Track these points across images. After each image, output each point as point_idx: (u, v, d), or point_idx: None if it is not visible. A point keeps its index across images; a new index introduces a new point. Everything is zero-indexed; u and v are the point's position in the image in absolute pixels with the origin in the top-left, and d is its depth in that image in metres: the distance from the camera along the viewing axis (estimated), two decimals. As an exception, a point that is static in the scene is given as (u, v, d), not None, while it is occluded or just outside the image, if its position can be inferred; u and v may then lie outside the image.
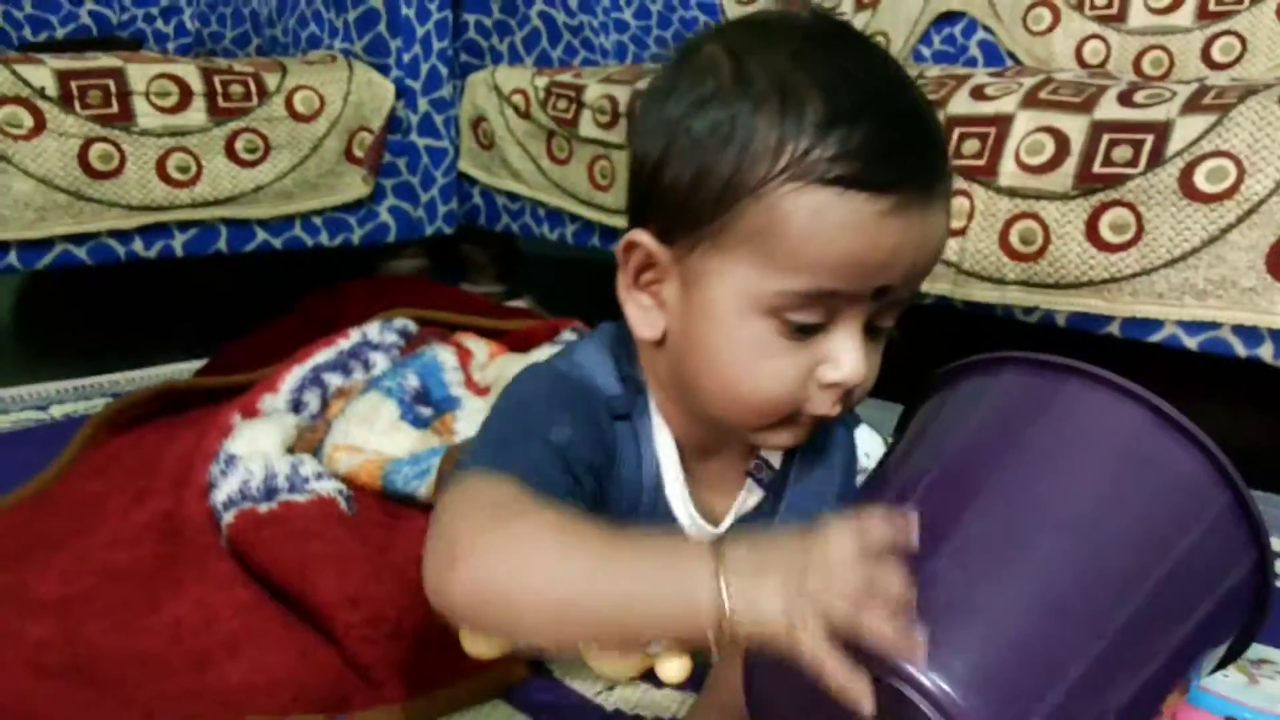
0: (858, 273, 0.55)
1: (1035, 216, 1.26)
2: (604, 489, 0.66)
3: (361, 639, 0.80)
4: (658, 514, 0.68)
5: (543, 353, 1.24)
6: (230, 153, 1.62)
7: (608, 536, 0.51)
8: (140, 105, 1.54)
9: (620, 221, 1.75)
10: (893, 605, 0.45)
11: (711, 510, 0.70)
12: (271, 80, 1.66)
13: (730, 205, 0.56)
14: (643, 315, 0.63)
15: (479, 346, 1.29)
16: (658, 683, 0.79)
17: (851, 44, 0.59)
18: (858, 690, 0.44)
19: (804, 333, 0.57)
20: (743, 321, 0.57)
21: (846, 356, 0.57)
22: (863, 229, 0.54)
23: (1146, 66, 1.74)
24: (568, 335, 1.31)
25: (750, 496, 0.71)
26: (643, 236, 0.60)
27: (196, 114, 1.59)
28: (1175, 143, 1.17)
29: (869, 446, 0.95)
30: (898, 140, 0.54)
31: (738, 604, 0.46)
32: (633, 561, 0.50)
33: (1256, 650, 0.80)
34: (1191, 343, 1.19)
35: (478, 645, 0.80)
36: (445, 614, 0.53)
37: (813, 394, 0.59)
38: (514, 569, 0.50)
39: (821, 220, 0.53)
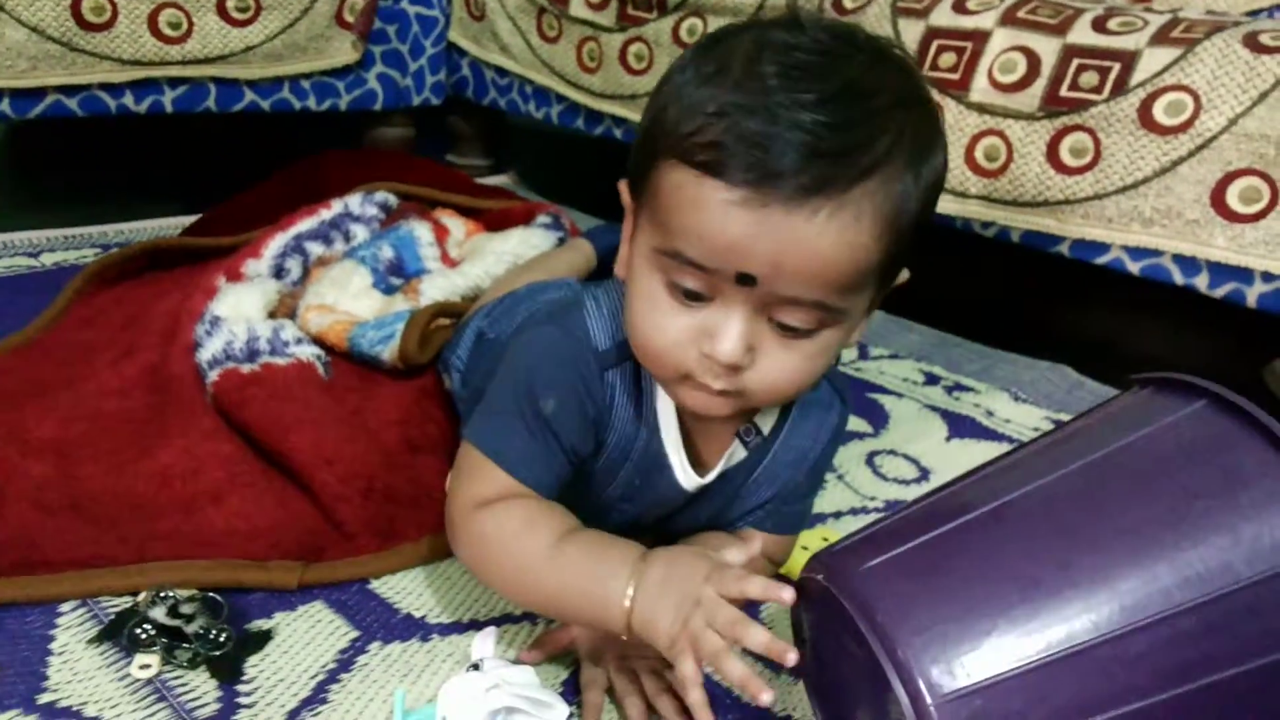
0: (710, 251, 0.60)
1: (1001, 134, 1.31)
2: (601, 435, 0.75)
3: (336, 495, 0.87)
4: (650, 451, 0.76)
5: (518, 235, 1.30)
6: (221, 10, 1.62)
7: (560, 535, 0.69)
8: (132, -43, 1.54)
9: (607, 107, 1.77)
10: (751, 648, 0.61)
11: (703, 457, 0.78)
12: (265, -61, 1.65)
13: (647, 171, 0.64)
14: (621, 262, 0.72)
15: (456, 224, 1.34)
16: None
17: (828, 50, 0.60)
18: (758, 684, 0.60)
19: (690, 299, 0.63)
20: (647, 274, 0.66)
21: (721, 331, 0.63)
22: (709, 210, 0.59)
23: (1135, -15, 1.75)
24: (543, 219, 1.35)
25: (738, 453, 0.79)
26: (622, 186, 0.70)
27: (188, -32, 1.59)
28: (1140, 73, 1.21)
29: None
30: (773, 145, 0.57)
31: (637, 617, 0.64)
32: (571, 564, 0.67)
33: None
34: (1134, 267, 1.26)
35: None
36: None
37: (698, 362, 0.65)
38: (488, 550, 0.71)
39: (679, 194, 0.61)
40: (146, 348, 1.07)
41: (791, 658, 0.58)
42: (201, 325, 1.06)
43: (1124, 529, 0.55)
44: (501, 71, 1.95)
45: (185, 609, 0.74)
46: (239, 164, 1.59)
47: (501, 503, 0.70)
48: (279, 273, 1.21)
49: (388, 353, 1.06)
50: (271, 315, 1.13)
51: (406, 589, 0.82)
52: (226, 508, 0.86)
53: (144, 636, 0.72)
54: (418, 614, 0.79)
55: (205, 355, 1.01)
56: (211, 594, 0.77)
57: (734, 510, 0.82)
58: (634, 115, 1.73)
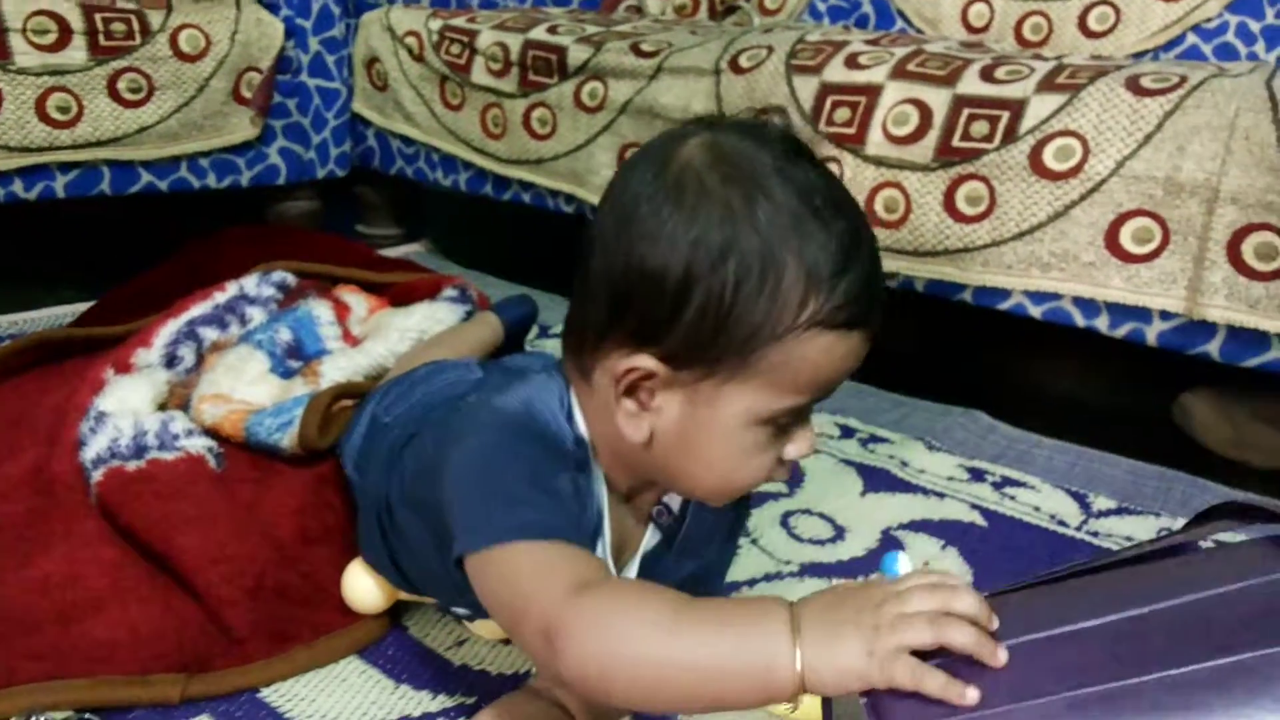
0: (839, 383, 0.66)
1: (899, 186, 1.32)
2: None
3: (222, 598, 0.83)
4: None
5: (422, 310, 1.27)
6: (113, 93, 1.59)
7: (685, 607, 0.55)
8: (17, 43, 1.51)
9: (513, 172, 1.76)
10: (968, 617, 0.50)
11: (621, 552, 0.75)
12: (155, 18, 1.63)
13: (755, 349, 0.62)
14: (631, 421, 0.67)
15: (358, 301, 1.31)
16: (508, 640, 0.85)
17: (820, 170, 0.65)
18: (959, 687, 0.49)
19: (785, 429, 0.66)
20: (744, 432, 0.65)
21: (806, 438, 0.68)
22: (856, 355, 0.65)
23: (1027, 32, 1.80)
24: (449, 292, 1.33)
25: (652, 538, 0.77)
26: (650, 362, 0.63)
27: (77, 52, 1.56)
28: (1028, 120, 1.23)
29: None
30: (875, 279, 0.64)
31: (816, 664, 0.51)
32: (715, 635, 0.53)
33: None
34: (1036, 311, 1.27)
35: (365, 600, 0.85)
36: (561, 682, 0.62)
37: (777, 469, 0.68)
38: (614, 624, 0.55)
39: (829, 355, 0.63)
40: (30, 447, 1.02)
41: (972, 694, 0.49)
42: (86, 422, 1.01)
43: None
44: (407, 141, 1.93)
45: (57, 734, 0.70)
46: (138, 247, 1.55)
47: (598, 583, 0.58)
48: (171, 361, 1.17)
49: (287, 440, 1.02)
50: (162, 407, 1.09)
51: (299, 695, 0.79)
52: (108, 617, 0.82)
53: (10, 768, 0.67)
54: (309, 723, 0.76)
55: (89, 454, 0.97)
56: (88, 715, 0.73)
57: None
58: (540, 179, 1.73)
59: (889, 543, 1.06)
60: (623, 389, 0.65)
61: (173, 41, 1.64)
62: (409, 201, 2.18)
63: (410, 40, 1.86)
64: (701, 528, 0.78)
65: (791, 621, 0.52)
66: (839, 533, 1.08)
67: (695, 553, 0.79)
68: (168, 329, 1.18)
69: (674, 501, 0.77)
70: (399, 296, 1.36)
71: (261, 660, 0.81)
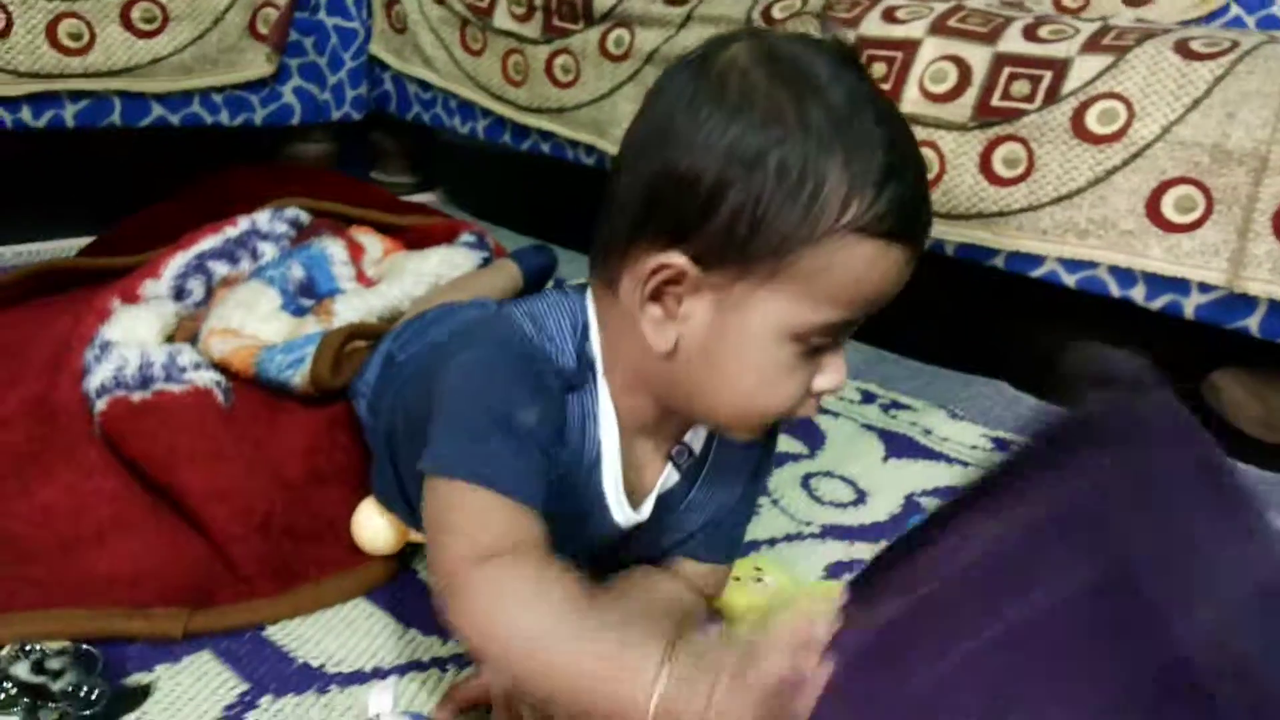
0: (878, 304, 0.62)
1: (933, 145, 1.28)
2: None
3: (229, 534, 0.81)
4: (590, 488, 0.69)
5: (439, 254, 1.24)
6: (126, 21, 1.55)
7: (574, 614, 0.55)
8: (28, -35, 1.47)
9: (533, 121, 1.72)
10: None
11: (635, 488, 0.72)
12: (170, -53, 1.58)
13: (792, 250, 0.58)
14: (656, 328, 0.63)
15: (373, 242, 1.28)
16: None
17: (871, 82, 0.62)
18: None
19: (816, 352, 0.62)
20: (775, 346, 0.61)
21: (837, 369, 0.64)
22: (897, 273, 0.61)
23: (1065, -2, 1.75)
24: (466, 238, 1.30)
25: (671, 477, 0.74)
26: (680, 260, 0.60)
27: (90, -23, 1.52)
28: (1072, 81, 1.19)
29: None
30: (920, 194, 0.61)
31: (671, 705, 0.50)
32: (587, 654, 0.53)
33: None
34: (1070, 280, 1.23)
35: (375, 540, 0.82)
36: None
37: (805, 401, 0.64)
38: (491, 623, 0.56)
39: (870, 267, 0.59)
40: (32, 377, 1.00)
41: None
42: (91, 350, 0.99)
43: None
44: (425, 85, 1.89)
45: (53, 664, 0.67)
46: (146, 183, 1.51)
47: (508, 558, 0.57)
48: (180, 294, 1.14)
49: (298, 377, 1.00)
50: (170, 340, 1.06)
51: (305, 635, 0.76)
52: (109, 550, 0.80)
53: (3, 696, 0.64)
54: (315, 663, 0.73)
55: (93, 382, 0.95)
56: (86, 646, 0.70)
57: (666, 539, 0.77)
58: (560, 129, 1.69)
59: (912, 508, 1.03)
60: (649, 291, 0.62)
61: (189, -30, 1.59)
62: (424, 150, 2.14)
63: (432, -18, 1.81)
64: (724, 471, 0.75)
65: (659, 663, 0.51)
66: (861, 496, 1.05)
67: (715, 497, 0.76)
68: (177, 261, 1.15)
69: (696, 443, 0.73)
70: (414, 240, 1.32)
71: (267, 597, 0.78)
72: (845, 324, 0.62)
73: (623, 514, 0.71)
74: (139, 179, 1.61)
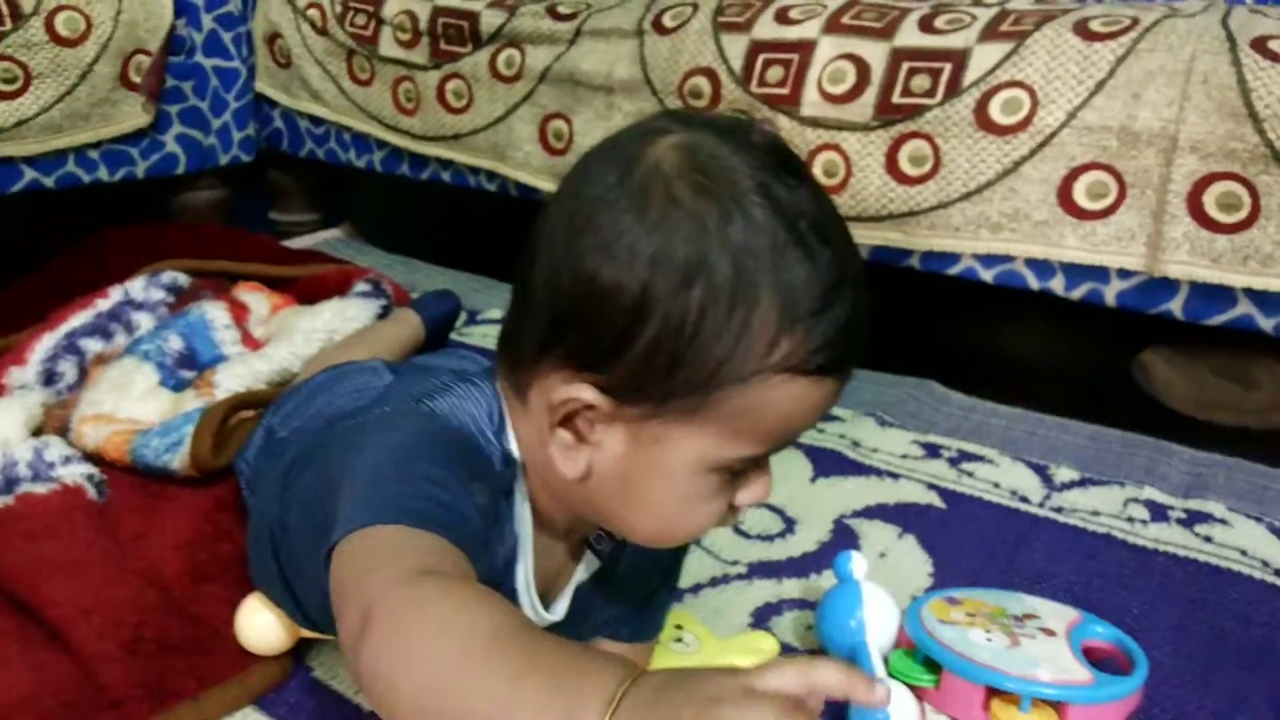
0: (805, 431, 0.58)
1: (837, 148, 1.23)
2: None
3: (97, 653, 0.74)
4: (500, 588, 0.62)
5: (331, 308, 1.17)
6: (-16, 83, 1.46)
7: (513, 633, 0.44)
8: None
9: (430, 149, 1.65)
10: None
11: (549, 588, 0.67)
12: (27, 1, 1.49)
13: (715, 390, 0.53)
14: (565, 455, 0.57)
15: (258, 300, 1.21)
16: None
17: (808, 184, 0.55)
18: None
19: (739, 474, 0.58)
20: (695, 477, 0.57)
21: (762, 484, 0.60)
22: (829, 401, 0.57)
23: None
24: (361, 287, 1.23)
25: (591, 564, 0.69)
26: (589, 394, 0.54)
27: (-59, 40, 1.43)
28: (972, 72, 1.15)
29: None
30: (859, 319, 0.55)
31: None
32: (523, 675, 0.43)
33: (1024, 603, 0.81)
34: (987, 275, 1.20)
35: (263, 639, 0.76)
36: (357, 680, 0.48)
37: (725, 518, 0.61)
38: (413, 643, 0.44)
39: (799, 404, 0.55)
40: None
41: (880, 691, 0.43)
42: (-52, 454, 0.91)
43: None
44: (316, 120, 1.81)
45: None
46: (28, 252, 1.42)
47: (444, 577, 0.48)
48: (50, 378, 1.06)
49: (177, 461, 0.93)
50: (39, 432, 0.99)
51: (186, 761, 0.69)
52: (-34, 683, 0.72)
53: None
54: (195, 795, 0.66)
55: (-49, 491, 0.87)
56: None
57: (586, 629, 0.72)
58: (459, 156, 1.62)
59: (841, 534, 0.99)
60: (558, 419, 0.56)
61: (48, 25, 1.50)
62: (324, 185, 2.05)
63: (312, 12, 1.74)
64: (646, 556, 0.70)
65: (613, 699, 0.41)
66: (789, 525, 1.00)
67: (635, 584, 0.71)
68: (44, 343, 1.08)
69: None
70: (306, 293, 1.26)
71: (143, 722, 0.71)
72: (771, 452, 0.58)
73: (535, 615, 0.66)
74: (16, 250, 1.53)
